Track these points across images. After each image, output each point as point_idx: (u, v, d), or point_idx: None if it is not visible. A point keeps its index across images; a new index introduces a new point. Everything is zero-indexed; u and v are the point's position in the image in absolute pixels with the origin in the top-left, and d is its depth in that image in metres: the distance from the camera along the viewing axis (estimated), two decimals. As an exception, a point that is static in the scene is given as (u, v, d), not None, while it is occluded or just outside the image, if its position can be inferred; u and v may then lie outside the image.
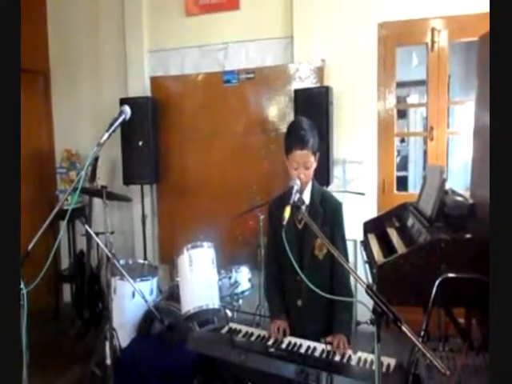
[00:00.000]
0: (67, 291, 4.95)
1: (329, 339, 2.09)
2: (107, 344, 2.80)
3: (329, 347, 2.05)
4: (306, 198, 2.26)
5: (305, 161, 2.18)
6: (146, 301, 2.93)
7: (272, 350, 2.05)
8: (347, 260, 2.40)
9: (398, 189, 4.39)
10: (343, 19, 4.14)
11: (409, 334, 1.36)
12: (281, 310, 2.33)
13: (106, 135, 1.88)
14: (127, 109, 1.98)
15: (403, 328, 1.37)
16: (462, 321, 2.70)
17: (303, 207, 2.20)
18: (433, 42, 3.97)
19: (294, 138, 2.21)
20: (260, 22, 4.35)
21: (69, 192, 1.99)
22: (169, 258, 4.22)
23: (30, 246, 1.70)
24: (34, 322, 1.97)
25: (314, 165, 2.23)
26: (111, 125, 1.92)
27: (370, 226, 3.11)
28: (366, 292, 1.48)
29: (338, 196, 2.57)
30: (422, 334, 2.12)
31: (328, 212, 2.26)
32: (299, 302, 2.28)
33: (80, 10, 4.92)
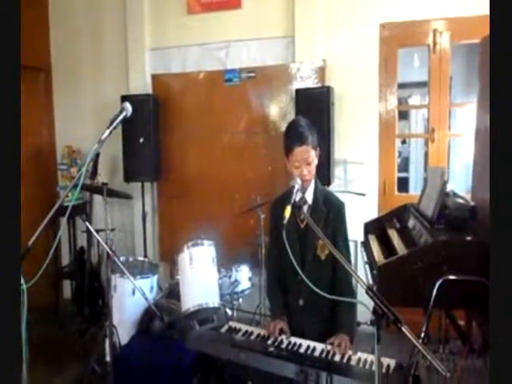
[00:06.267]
0: (67, 288, 4.94)
1: (331, 340, 2.10)
2: (107, 341, 2.80)
3: (329, 347, 2.05)
4: (309, 197, 2.25)
5: (306, 156, 2.17)
6: (146, 298, 2.92)
7: (272, 349, 2.05)
8: (349, 261, 2.40)
9: (399, 190, 4.38)
10: (345, 19, 4.13)
11: (409, 335, 1.36)
12: (281, 310, 2.32)
13: (107, 132, 1.87)
14: (128, 106, 1.96)
15: (403, 329, 1.37)
16: (462, 323, 2.70)
17: (305, 207, 2.20)
18: (434, 44, 3.96)
19: (292, 137, 2.21)
20: (262, 21, 4.35)
21: (69, 188, 1.99)
22: (169, 255, 4.22)
23: (31, 242, 1.69)
24: (34, 317, 1.97)
25: (316, 160, 2.22)
26: (112, 122, 1.90)
27: (371, 227, 3.11)
28: (367, 293, 1.48)
29: (338, 196, 2.56)
30: (422, 335, 2.12)
31: (331, 212, 2.25)
32: (300, 302, 2.27)
33: (81, 7, 4.91)
